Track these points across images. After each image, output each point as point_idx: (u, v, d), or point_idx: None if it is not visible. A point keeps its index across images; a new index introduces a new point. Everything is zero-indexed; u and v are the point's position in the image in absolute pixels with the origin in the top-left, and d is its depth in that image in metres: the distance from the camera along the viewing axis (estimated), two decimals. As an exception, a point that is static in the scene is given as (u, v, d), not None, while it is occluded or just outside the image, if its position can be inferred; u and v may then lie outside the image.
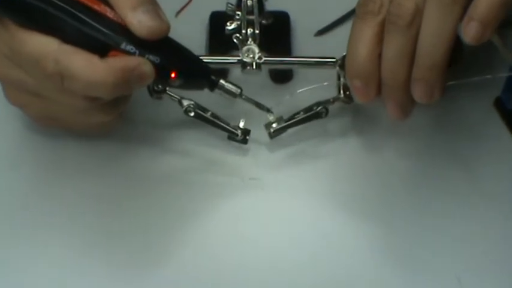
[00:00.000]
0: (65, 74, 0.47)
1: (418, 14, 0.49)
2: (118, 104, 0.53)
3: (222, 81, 0.53)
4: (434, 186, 0.57)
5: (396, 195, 0.57)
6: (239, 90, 0.54)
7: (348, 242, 0.54)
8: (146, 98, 0.57)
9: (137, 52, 0.49)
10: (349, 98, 0.58)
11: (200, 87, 0.53)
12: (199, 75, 0.53)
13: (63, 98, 0.50)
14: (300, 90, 0.57)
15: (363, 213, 0.56)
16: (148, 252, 0.54)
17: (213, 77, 0.53)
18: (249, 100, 0.56)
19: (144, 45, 0.49)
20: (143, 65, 0.49)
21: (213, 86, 0.54)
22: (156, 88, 0.56)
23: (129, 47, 0.49)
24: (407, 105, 0.53)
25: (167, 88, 0.56)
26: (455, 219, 0.55)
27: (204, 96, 0.56)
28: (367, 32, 0.52)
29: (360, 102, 0.55)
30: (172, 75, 0.50)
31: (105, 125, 0.55)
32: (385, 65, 0.51)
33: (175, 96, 0.57)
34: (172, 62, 0.50)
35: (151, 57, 0.49)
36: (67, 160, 0.58)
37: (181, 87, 0.52)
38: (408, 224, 0.55)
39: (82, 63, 0.47)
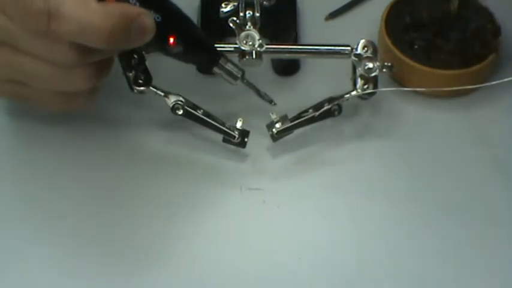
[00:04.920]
0: (55, 13, 0.46)
1: None
2: (102, 68, 0.51)
3: (223, 59, 0.54)
4: (466, 201, 0.55)
5: (420, 210, 0.54)
6: (241, 73, 0.54)
7: (362, 266, 0.52)
8: (126, 93, 0.54)
9: (138, 4, 0.49)
10: (366, 94, 0.56)
11: (198, 61, 0.54)
12: (200, 46, 0.53)
13: (44, 45, 0.48)
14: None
15: (383, 233, 0.53)
16: (129, 274, 0.51)
17: (214, 53, 0.53)
18: (249, 85, 0.55)
19: None
20: (145, 16, 0.48)
21: (214, 62, 0.53)
22: (139, 81, 0.54)
23: None
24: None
25: (151, 82, 0.54)
26: (484, 240, 0.53)
27: (195, 92, 0.55)
28: None
29: None
30: (171, 40, 0.50)
31: (80, 97, 0.53)
32: None
33: (161, 91, 0.54)
34: (174, 24, 0.51)
35: (152, 14, 0.49)
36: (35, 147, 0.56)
37: (178, 57, 0.52)
38: (430, 246, 0.53)
39: (75, 3, 0.46)
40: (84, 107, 0.54)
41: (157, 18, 0.49)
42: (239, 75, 0.54)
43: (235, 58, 0.55)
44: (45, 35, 0.47)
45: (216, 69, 0.53)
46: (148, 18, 0.48)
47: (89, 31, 0.47)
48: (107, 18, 0.47)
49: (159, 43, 0.50)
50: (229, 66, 0.53)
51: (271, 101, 0.55)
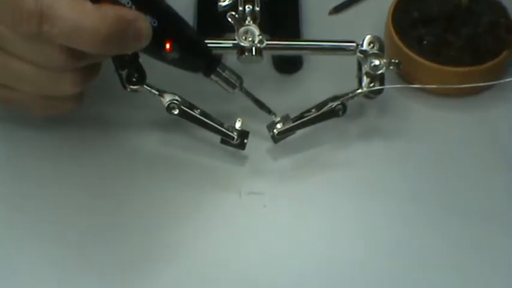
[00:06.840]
0: (47, 14, 0.45)
1: None
2: (90, 74, 0.51)
3: (221, 66, 0.53)
4: (476, 207, 0.54)
5: (429, 213, 0.54)
6: (239, 81, 0.54)
7: (366, 271, 0.52)
8: (118, 91, 0.54)
9: (134, 8, 0.48)
10: (372, 92, 0.55)
11: (195, 68, 0.53)
12: (197, 53, 0.53)
13: (34, 48, 0.48)
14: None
15: (389, 238, 0.53)
16: (126, 278, 0.51)
17: (212, 60, 0.53)
18: (248, 95, 0.55)
19: (142, 3, 0.49)
20: (141, 20, 0.48)
21: (211, 70, 0.53)
22: (133, 79, 0.53)
23: (126, 0, 0.48)
24: None
25: (145, 80, 0.54)
26: (494, 241, 0.53)
27: (192, 91, 0.54)
28: None
29: None
30: (168, 46, 0.50)
31: (67, 101, 0.52)
32: None
33: (155, 89, 0.54)
34: (171, 29, 0.50)
35: (149, 18, 0.49)
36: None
37: (174, 63, 0.51)
38: (440, 248, 0.53)
39: (69, 4, 0.46)
40: (71, 111, 0.53)
41: (154, 22, 0.49)
42: (237, 84, 0.54)
43: (233, 55, 0.54)
44: (36, 37, 0.46)
45: (213, 77, 0.53)
46: (144, 23, 0.48)
47: (82, 33, 0.46)
48: (102, 21, 0.46)
49: (154, 49, 0.50)
50: (227, 74, 0.53)
51: (270, 111, 0.55)
